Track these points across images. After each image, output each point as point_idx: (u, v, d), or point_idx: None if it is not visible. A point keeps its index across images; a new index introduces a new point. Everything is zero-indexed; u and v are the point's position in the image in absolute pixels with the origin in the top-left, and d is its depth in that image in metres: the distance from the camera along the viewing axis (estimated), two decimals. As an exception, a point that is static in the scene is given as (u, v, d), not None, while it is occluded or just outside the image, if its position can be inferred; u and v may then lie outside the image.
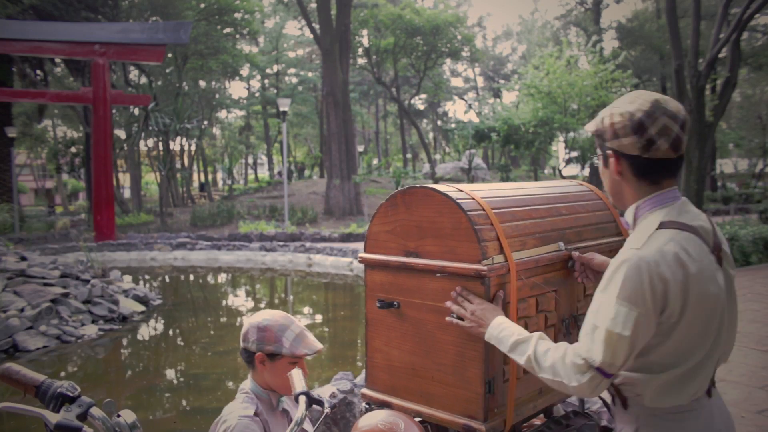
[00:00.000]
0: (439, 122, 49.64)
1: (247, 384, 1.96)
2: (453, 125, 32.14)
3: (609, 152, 1.46)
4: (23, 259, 9.35)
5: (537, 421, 2.10)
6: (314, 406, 2.00)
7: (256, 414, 1.85)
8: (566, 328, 1.95)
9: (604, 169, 1.50)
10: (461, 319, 1.66)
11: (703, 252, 1.38)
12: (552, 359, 1.42)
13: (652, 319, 1.34)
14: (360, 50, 33.17)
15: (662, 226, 1.39)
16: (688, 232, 1.38)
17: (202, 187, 38.46)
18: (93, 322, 8.15)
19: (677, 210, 1.42)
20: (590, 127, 1.52)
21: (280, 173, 40.34)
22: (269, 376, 1.92)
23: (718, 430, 1.45)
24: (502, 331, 1.55)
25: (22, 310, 7.61)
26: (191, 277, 13.69)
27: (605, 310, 1.35)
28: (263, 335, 1.89)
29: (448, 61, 39.39)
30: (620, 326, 1.32)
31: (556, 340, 1.90)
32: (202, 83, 35.38)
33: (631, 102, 1.43)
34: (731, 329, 1.51)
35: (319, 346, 1.94)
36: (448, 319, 1.66)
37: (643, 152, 1.39)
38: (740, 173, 39.24)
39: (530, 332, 1.56)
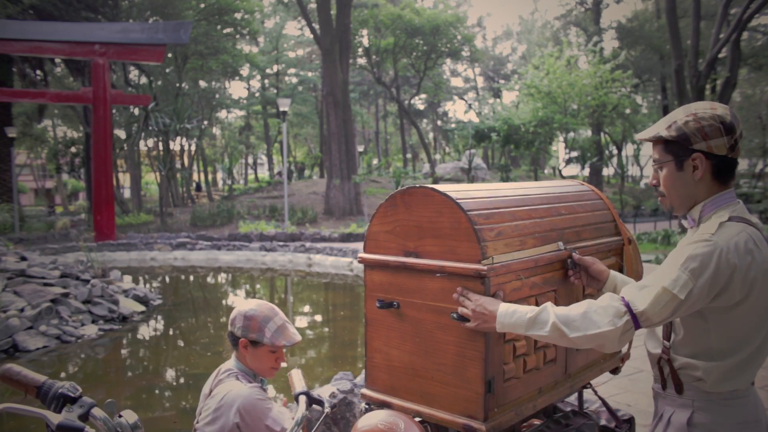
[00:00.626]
0: (439, 122, 49.64)
1: (232, 363, 2.13)
2: (453, 125, 32.16)
3: (696, 154, 1.51)
4: (23, 259, 9.36)
5: (536, 421, 2.11)
6: (314, 405, 2.01)
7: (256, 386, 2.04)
8: (566, 328, 1.95)
9: (675, 172, 1.56)
10: (467, 321, 1.67)
11: (765, 245, 1.49)
12: (582, 309, 1.47)
13: (702, 299, 1.42)
14: (360, 50, 33.16)
15: (731, 219, 1.50)
16: (753, 227, 1.50)
17: (198, 187, 38.42)
18: (93, 322, 8.15)
19: (740, 208, 1.54)
20: (666, 133, 1.54)
21: (280, 173, 40.34)
22: (250, 360, 2.09)
23: (763, 413, 1.56)
24: (513, 315, 1.56)
25: (22, 310, 7.61)
26: (191, 277, 13.70)
27: (667, 272, 1.44)
28: (248, 323, 2.06)
29: (448, 61, 39.42)
30: (678, 288, 1.41)
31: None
32: (202, 83, 35.37)
33: (712, 108, 1.52)
34: None
35: (297, 338, 2.09)
36: (468, 325, 1.63)
37: (730, 152, 1.51)
38: (740, 173, 39.25)
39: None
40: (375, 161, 43.82)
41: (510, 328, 1.57)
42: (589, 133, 27.58)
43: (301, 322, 9.33)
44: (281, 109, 18.77)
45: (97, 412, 1.40)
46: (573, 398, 2.35)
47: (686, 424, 1.54)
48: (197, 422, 2.07)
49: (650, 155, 1.66)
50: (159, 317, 9.37)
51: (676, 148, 1.54)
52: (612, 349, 1.47)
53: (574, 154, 22.96)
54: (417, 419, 1.79)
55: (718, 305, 1.44)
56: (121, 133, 30.27)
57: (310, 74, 42.05)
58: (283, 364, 2.16)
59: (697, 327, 1.52)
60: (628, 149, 37.58)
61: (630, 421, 2.31)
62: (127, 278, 11.57)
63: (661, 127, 1.56)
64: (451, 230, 1.73)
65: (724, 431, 1.51)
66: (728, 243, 1.42)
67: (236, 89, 77.44)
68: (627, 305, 1.44)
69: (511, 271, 1.73)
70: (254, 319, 2.06)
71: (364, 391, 1.99)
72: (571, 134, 21.09)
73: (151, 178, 44.12)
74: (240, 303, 2.19)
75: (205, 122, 35.93)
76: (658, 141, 1.57)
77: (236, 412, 1.95)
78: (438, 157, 44.81)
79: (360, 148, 38.05)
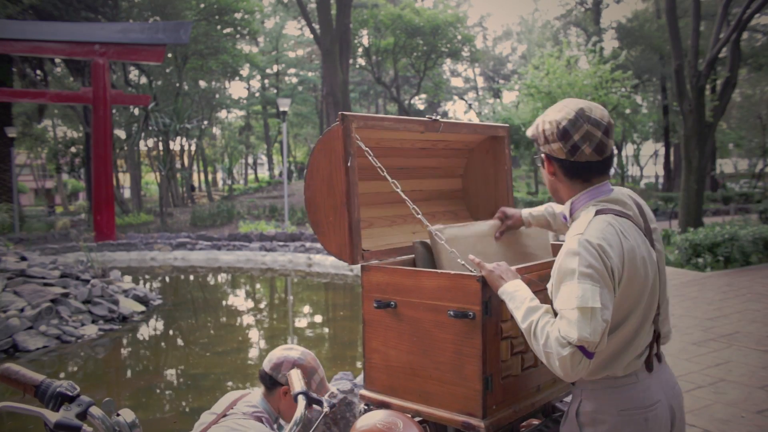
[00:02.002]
0: (439, 122, 49.48)
1: (257, 401, 2.05)
2: (453, 125, 32.01)
3: (542, 155, 1.63)
4: (23, 259, 9.36)
5: (535, 421, 2.11)
6: (313, 405, 2.01)
7: None
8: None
9: (542, 168, 1.67)
10: (466, 317, 1.67)
11: (636, 234, 1.52)
12: (547, 332, 1.47)
13: (612, 290, 1.44)
14: (360, 50, 33.17)
15: (598, 213, 1.51)
16: (622, 217, 1.52)
17: (192, 188, 38.31)
18: (93, 322, 8.16)
19: (610, 200, 1.57)
20: (529, 133, 1.68)
21: (281, 174, 40.33)
22: (284, 407, 2.04)
23: (654, 400, 1.56)
24: (518, 290, 1.60)
25: (22, 310, 7.61)
26: (191, 277, 13.70)
27: (570, 293, 1.43)
28: (299, 373, 1.94)
29: (448, 61, 39.39)
30: (589, 300, 1.40)
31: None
32: (202, 83, 35.38)
33: (559, 111, 1.58)
34: (664, 306, 1.64)
35: (332, 389, 2.13)
36: (481, 272, 1.69)
37: (569, 156, 1.54)
38: (740, 173, 39.26)
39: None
40: (375, 161, 43.69)
41: (507, 297, 1.62)
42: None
43: (301, 322, 9.34)
44: (281, 109, 18.78)
45: (94, 410, 1.40)
46: (571, 398, 2.36)
47: (575, 413, 1.60)
48: None
49: (650, 155, 1.71)
50: (159, 317, 9.37)
51: (537, 147, 1.66)
52: (567, 378, 1.45)
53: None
54: (416, 419, 1.79)
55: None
56: (121, 133, 30.28)
57: (310, 74, 42.05)
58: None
59: None
60: (628, 149, 37.56)
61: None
62: (127, 278, 11.57)
63: (531, 127, 1.69)
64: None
65: (608, 418, 1.54)
66: (597, 236, 1.44)
67: (236, 89, 77.41)
68: (564, 337, 1.42)
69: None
70: (303, 369, 2.01)
71: (363, 391, 1.99)
72: (571, 134, 21.07)
73: (151, 178, 44.12)
74: (283, 347, 2.12)
75: (205, 122, 35.93)
76: None
77: None
78: (438, 157, 44.70)
79: (360, 148, 37.93)
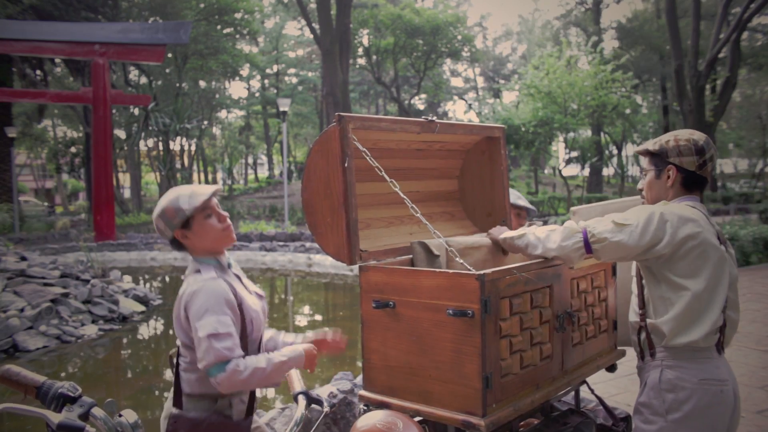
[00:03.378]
0: (439, 122, 49.46)
1: (191, 264, 1.93)
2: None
3: (670, 166, 1.92)
4: (23, 259, 9.36)
5: (534, 420, 2.11)
6: (313, 405, 2.01)
7: (216, 276, 1.85)
8: (560, 324, 1.96)
9: (655, 180, 1.97)
10: (465, 316, 1.67)
11: (708, 224, 1.85)
12: (550, 227, 1.93)
13: (638, 240, 1.78)
14: (360, 50, 33.17)
15: (682, 201, 1.90)
16: (701, 212, 1.86)
17: None
18: (93, 322, 8.16)
19: (698, 204, 1.91)
20: (652, 147, 1.97)
21: (281, 174, 40.34)
22: (198, 242, 1.89)
23: (726, 378, 1.82)
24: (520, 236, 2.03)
25: (22, 310, 7.61)
26: (191, 277, 13.68)
27: (618, 214, 1.83)
28: (166, 217, 1.87)
29: (448, 61, 39.42)
30: (622, 220, 1.80)
31: (550, 336, 1.93)
32: (202, 83, 35.40)
33: (692, 134, 1.94)
34: (735, 312, 1.89)
35: (214, 187, 1.91)
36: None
37: (698, 170, 1.91)
38: (740, 173, 39.24)
39: (522, 330, 1.68)
40: (375, 161, 43.69)
41: (509, 238, 2.08)
42: (589, 133, 27.59)
43: (302, 321, 9.35)
44: (281, 109, 18.78)
45: (97, 411, 1.41)
46: (570, 397, 2.36)
47: (657, 381, 1.84)
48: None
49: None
50: (159, 317, 9.38)
51: (657, 160, 1.95)
52: (567, 262, 1.89)
53: (574, 154, 22.97)
54: (416, 418, 1.79)
55: (655, 255, 1.79)
56: (121, 133, 30.30)
57: (310, 74, 42.06)
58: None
59: (655, 288, 1.86)
60: (628, 149, 37.54)
61: (627, 419, 2.33)
62: (127, 278, 11.58)
63: (650, 144, 1.99)
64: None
65: (688, 386, 1.78)
66: (669, 210, 1.81)
67: (236, 89, 77.32)
68: (584, 230, 1.83)
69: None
70: (167, 209, 1.86)
71: (362, 392, 2.00)
72: (571, 134, 21.09)
73: (151, 178, 44.14)
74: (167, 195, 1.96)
75: (205, 122, 35.94)
76: (646, 154, 1.98)
77: (183, 305, 1.81)
78: (438, 157, 44.69)
79: (360, 148, 37.92)
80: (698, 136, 1.92)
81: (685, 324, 1.79)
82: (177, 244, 1.93)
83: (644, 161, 2.00)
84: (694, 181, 1.92)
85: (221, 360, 1.69)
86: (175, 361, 1.90)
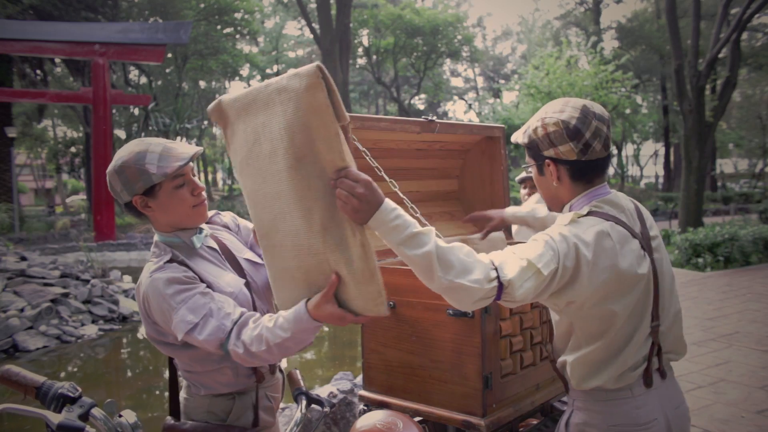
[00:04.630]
0: (439, 122, 49.47)
1: (155, 239, 1.66)
2: (453, 125, 32.00)
3: (547, 161, 1.52)
4: (23, 259, 9.36)
5: (534, 420, 2.11)
6: (313, 405, 2.01)
7: (171, 261, 1.56)
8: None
9: (539, 176, 1.57)
10: (465, 315, 1.66)
11: (625, 238, 1.44)
12: (461, 254, 1.32)
13: (555, 283, 1.37)
14: (360, 50, 33.17)
15: (590, 214, 1.47)
16: (611, 222, 1.45)
17: None
18: (93, 322, 8.16)
19: (607, 201, 1.50)
20: (521, 139, 1.57)
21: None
22: (162, 215, 1.58)
23: (649, 419, 1.46)
24: (397, 218, 1.30)
25: (22, 310, 7.61)
26: (191, 277, 13.67)
27: (534, 248, 1.37)
28: (125, 176, 1.52)
29: (448, 61, 39.40)
30: (542, 264, 1.34)
31: (550, 337, 1.92)
32: (202, 83, 35.40)
33: (561, 111, 1.49)
34: (666, 317, 1.52)
35: (193, 149, 1.58)
36: (341, 206, 1.34)
37: (581, 156, 1.47)
38: (740, 173, 39.26)
39: (522, 330, 1.56)
40: (375, 161, 43.73)
41: (381, 227, 1.31)
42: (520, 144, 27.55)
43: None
44: (281, 109, 18.75)
45: (97, 411, 1.41)
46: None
47: (565, 424, 1.54)
48: None
49: (650, 155, 1.67)
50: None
51: (533, 153, 1.55)
52: (462, 307, 1.35)
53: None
54: (416, 418, 1.79)
55: (569, 295, 1.40)
56: (121, 133, 30.27)
57: (310, 74, 41.98)
58: (284, 364, 1.93)
59: (563, 324, 1.52)
60: (628, 149, 37.56)
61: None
62: (127, 278, 11.57)
63: (519, 134, 1.59)
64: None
65: None
66: (578, 233, 1.40)
67: (236, 89, 77.11)
68: (497, 269, 1.33)
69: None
70: (128, 167, 1.51)
71: (362, 392, 2.00)
72: (571, 134, 21.06)
73: (151, 178, 44.06)
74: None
75: (205, 122, 35.93)
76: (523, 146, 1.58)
77: (144, 312, 1.56)
78: (438, 157, 44.70)
79: (360, 148, 37.97)
80: (570, 111, 1.47)
81: (594, 370, 1.46)
82: (134, 211, 1.59)
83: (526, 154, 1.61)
84: (587, 168, 1.49)
85: (219, 343, 1.48)
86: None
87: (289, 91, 1.33)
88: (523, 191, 4.20)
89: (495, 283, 1.32)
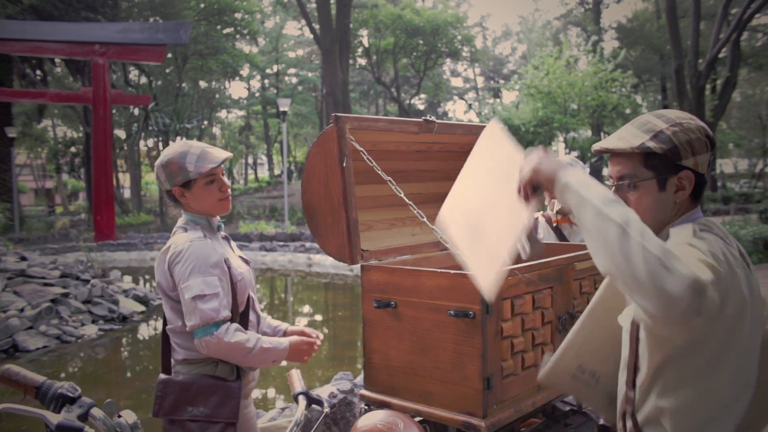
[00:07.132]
0: (439, 122, 49.47)
1: (182, 219, 1.97)
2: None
3: (685, 172, 1.23)
4: (23, 259, 9.35)
5: (536, 420, 2.11)
6: (313, 405, 2.01)
7: (204, 237, 1.88)
8: (563, 325, 1.95)
9: (657, 192, 1.24)
10: (466, 316, 1.65)
11: (737, 261, 1.18)
12: (660, 240, 1.01)
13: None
14: (360, 50, 33.18)
15: (687, 221, 1.24)
16: (724, 241, 1.20)
17: None
18: (93, 322, 8.16)
19: (707, 222, 1.26)
20: (654, 143, 1.22)
21: (281, 174, 40.36)
22: (195, 204, 1.92)
23: None
24: (588, 178, 1.13)
25: (22, 310, 7.61)
26: (191, 277, 13.66)
27: (689, 252, 1.10)
28: (169, 170, 1.88)
29: (448, 61, 39.41)
30: (714, 260, 1.07)
31: (552, 337, 1.92)
32: (202, 83, 35.40)
33: (691, 118, 1.26)
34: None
35: (225, 154, 1.90)
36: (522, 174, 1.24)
37: (708, 169, 1.28)
38: (740, 173, 39.27)
39: (524, 331, 1.58)
40: (375, 161, 43.71)
41: (578, 184, 1.11)
42: (589, 133, 27.59)
43: (302, 322, 9.34)
44: (281, 109, 18.78)
45: (96, 412, 1.41)
46: (572, 398, 2.36)
47: None
48: None
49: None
50: (159, 317, 9.37)
51: (660, 163, 1.22)
52: (656, 310, 0.96)
53: (574, 154, 22.97)
54: (417, 419, 1.79)
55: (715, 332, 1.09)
56: (121, 133, 30.28)
57: (310, 74, 42.03)
58: (283, 364, 2.04)
59: (660, 358, 1.17)
60: (628, 149, 37.50)
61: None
62: (127, 278, 11.57)
63: (641, 137, 1.23)
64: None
65: None
66: (711, 247, 1.12)
67: (236, 89, 77.22)
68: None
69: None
70: (171, 163, 1.87)
71: (363, 392, 1.99)
72: (571, 134, 21.11)
73: (151, 178, 44.07)
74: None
75: (205, 122, 35.94)
76: (634, 154, 1.24)
77: (168, 264, 1.83)
78: (438, 157, 44.69)
79: (360, 148, 37.95)
80: (697, 120, 1.27)
81: (703, 417, 1.15)
82: (172, 198, 1.95)
83: (627, 165, 1.26)
84: (703, 186, 1.26)
85: (207, 322, 1.73)
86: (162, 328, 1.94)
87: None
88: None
89: (704, 291, 0.99)
